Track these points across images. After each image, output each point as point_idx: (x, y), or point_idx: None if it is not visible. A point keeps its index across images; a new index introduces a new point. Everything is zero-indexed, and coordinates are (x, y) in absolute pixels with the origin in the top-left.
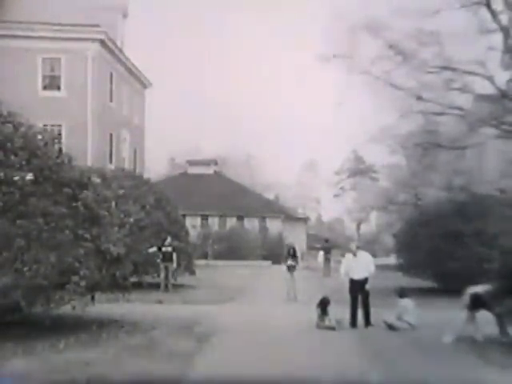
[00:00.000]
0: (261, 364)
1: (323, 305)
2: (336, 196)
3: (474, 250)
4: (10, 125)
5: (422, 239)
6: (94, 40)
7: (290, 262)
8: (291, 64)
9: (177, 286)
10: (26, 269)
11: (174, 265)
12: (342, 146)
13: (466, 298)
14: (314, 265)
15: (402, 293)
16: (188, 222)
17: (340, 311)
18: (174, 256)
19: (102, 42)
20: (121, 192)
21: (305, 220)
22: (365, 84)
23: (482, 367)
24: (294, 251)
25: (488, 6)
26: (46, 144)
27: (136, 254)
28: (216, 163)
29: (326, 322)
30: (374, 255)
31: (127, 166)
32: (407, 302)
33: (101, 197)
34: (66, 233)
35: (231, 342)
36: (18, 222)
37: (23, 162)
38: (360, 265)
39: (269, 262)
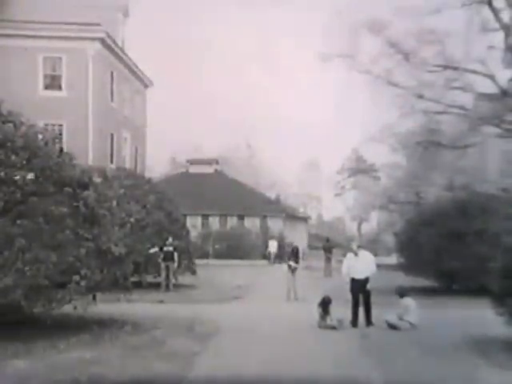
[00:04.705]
0: (262, 363)
1: (324, 304)
2: (337, 195)
3: (476, 249)
4: (10, 124)
5: (424, 238)
6: (94, 39)
7: (291, 262)
8: (293, 63)
9: (178, 286)
10: (26, 268)
11: (175, 264)
12: (342, 144)
13: None
14: (314, 264)
15: (403, 292)
16: (189, 221)
17: (341, 311)
18: (175, 255)
19: (102, 41)
20: (122, 191)
21: (306, 219)
22: (366, 83)
23: (482, 367)
24: (297, 251)
25: (490, 4)
26: (46, 143)
27: (137, 253)
28: (217, 162)
29: (328, 322)
30: (376, 254)
31: (128, 165)
32: (408, 302)
33: (102, 196)
34: (66, 232)
35: (232, 342)
36: (19, 221)
37: (24, 162)
38: (361, 264)
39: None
